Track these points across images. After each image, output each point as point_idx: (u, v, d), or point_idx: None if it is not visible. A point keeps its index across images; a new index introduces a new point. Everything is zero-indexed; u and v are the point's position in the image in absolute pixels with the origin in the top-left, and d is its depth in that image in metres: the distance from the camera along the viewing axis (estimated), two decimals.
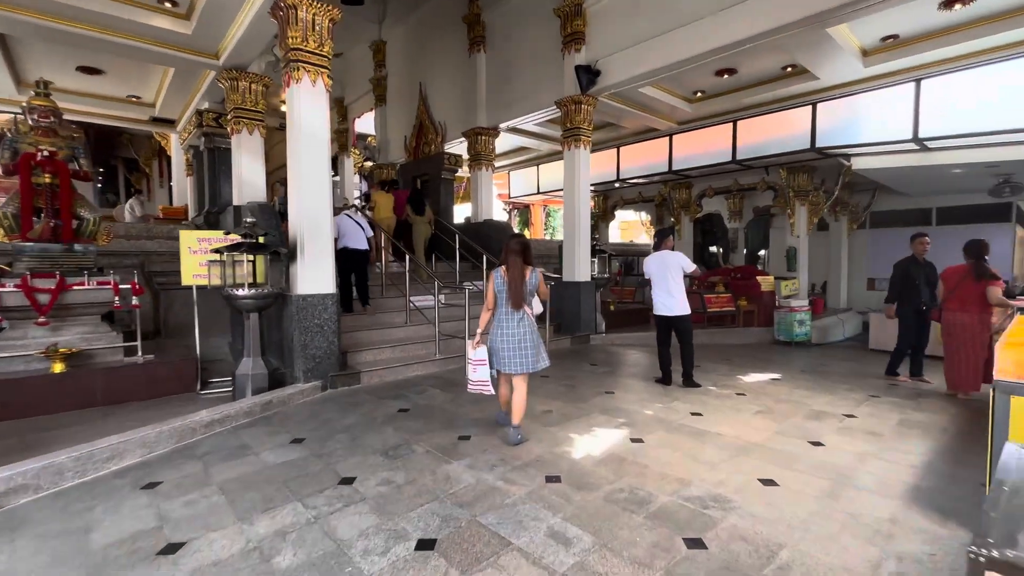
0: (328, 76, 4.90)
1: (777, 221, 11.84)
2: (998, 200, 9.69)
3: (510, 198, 13.74)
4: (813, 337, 8.39)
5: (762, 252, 12.14)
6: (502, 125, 9.01)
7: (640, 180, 11.10)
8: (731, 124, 8.77)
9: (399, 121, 11.62)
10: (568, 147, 7.59)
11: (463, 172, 10.33)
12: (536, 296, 3.58)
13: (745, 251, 11.91)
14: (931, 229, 10.83)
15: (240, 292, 4.59)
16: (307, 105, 4.80)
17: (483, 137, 9.15)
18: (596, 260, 7.87)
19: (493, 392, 3.52)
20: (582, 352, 6.90)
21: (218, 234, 5.14)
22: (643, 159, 10.29)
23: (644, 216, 16.59)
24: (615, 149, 10.71)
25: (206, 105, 7.95)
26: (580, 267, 7.49)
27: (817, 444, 3.47)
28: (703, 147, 9.27)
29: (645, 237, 18.46)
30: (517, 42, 8.53)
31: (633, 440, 3.53)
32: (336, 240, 5.87)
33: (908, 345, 5.35)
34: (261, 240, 4.82)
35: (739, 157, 8.74)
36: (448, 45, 9.88)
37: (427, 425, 3.87)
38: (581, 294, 7.45)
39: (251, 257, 4.76)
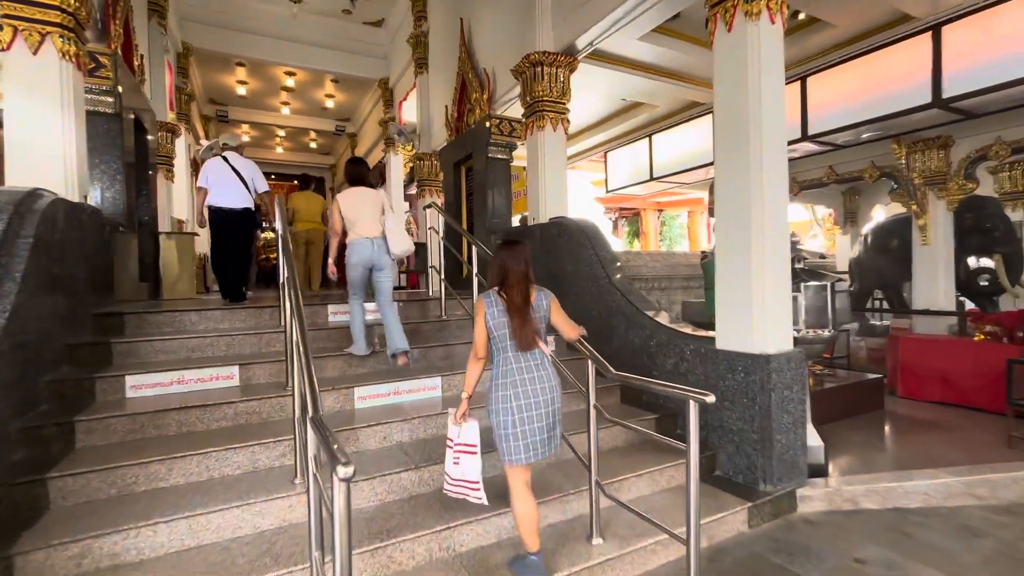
0: None
1: None
2: None
3: (608, 192, 9.31)
4: None
5: None
6: (581, 41, 4.83)
7: (851, 134, 6.04)
8: None
9: (442, 89, 8.02)
10: (727, 22, 3.13)
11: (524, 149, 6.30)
12: (561, 330, 2.30)
13: None
14: None
15: None
16: None
17: (546, 70, 5.04)
18: (805, 293, 3.23)
19: (485, 501, 2.19)
20: None
21: None
22: (863, 91, 5.33)
23: (823, 211, 11.05)
24: (797, 82, 5.88)
25: None
26: (764, 313, 2.95)
27: None
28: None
29: (816, 242, 12.67)
30: None
31: None
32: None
33: None
34: None
35: None
36: None
37: None
38: (772, 386, 2.89)
39: None
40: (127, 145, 4.56)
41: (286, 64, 9.83)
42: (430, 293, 6.02)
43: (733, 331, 3.10)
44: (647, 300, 4.04)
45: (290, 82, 10.99)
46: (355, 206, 3.43)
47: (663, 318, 3.75)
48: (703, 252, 5.05)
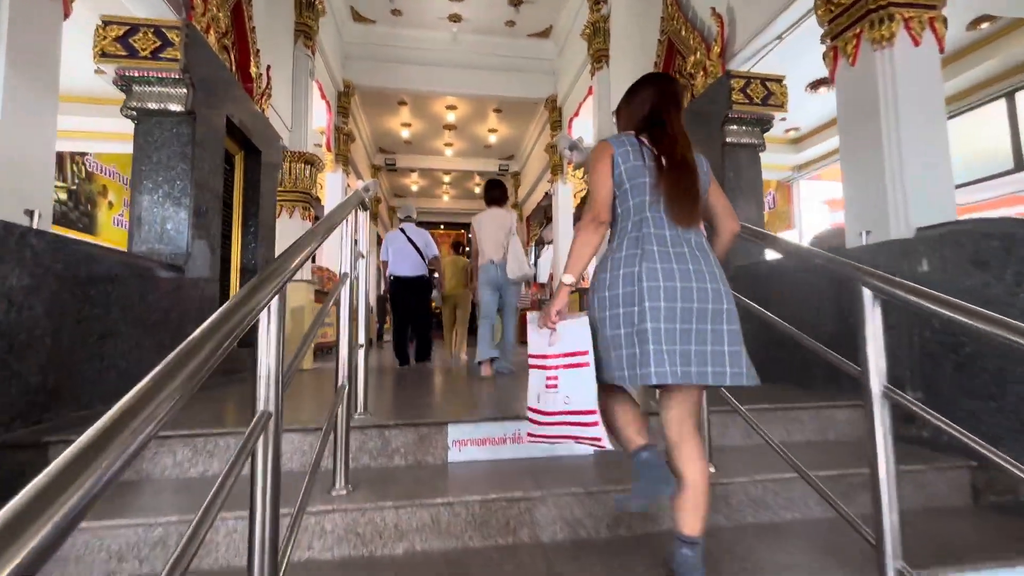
0: None
1: None
2: None
3: None
4: None
5: None
6: None
7: None
8: None
9: (631, 77, 5.83)
10: None
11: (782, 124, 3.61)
12: (717, 213, 1.47)
13: None
14: None
15: None
16: None
17: None
18: None
19: (608, 443, 1.29)
20: None
21: None
22: None
23: None
24: None
25: None
26: None
27: None
28: None
29: None
30: None
31: None
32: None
33: None
34: None
35: None
36: None
37: None
38: None
39: None
40: (209, 160, 3.22)
41: (448, 93, 8.82)
42: None
43: None
44: None
45: (451, 117, 10.08)
46: (484, 228, 3.78)
47: None
48: None
